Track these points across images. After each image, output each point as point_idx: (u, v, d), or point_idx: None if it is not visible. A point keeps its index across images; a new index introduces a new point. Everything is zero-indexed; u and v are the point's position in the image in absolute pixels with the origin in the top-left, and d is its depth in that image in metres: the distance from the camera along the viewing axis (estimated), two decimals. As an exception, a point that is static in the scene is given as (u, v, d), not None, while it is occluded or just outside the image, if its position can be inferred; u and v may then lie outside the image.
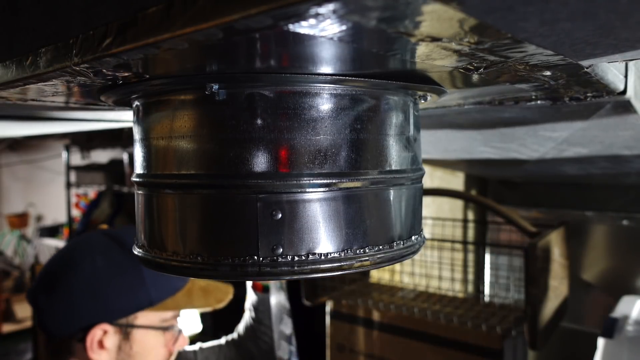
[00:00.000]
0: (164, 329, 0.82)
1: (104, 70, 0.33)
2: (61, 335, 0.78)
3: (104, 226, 0.91)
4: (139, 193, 0.45)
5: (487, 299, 1.66)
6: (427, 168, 1.43)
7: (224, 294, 0.92)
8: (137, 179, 0.44)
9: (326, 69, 0.35)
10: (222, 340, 1.12)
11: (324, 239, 0.38)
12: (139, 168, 0.44)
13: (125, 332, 0.79)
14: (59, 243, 3.71)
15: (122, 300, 0.78)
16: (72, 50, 0.31)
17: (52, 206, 4.25)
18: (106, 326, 0.77)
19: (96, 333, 0.76)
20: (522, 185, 1.81)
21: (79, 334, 0.77)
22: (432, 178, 1.68)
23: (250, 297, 1.10)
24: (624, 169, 1.17)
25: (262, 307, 1.08)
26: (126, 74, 0.35)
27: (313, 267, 0.38)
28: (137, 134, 0.44)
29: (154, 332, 0.81)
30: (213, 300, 0.88)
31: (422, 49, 0.29)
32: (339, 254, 0.38)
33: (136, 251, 0.45)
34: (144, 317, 0.80)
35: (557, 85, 0.43)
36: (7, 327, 3.36)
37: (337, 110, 0.38)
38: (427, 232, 1.57)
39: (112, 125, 1.03)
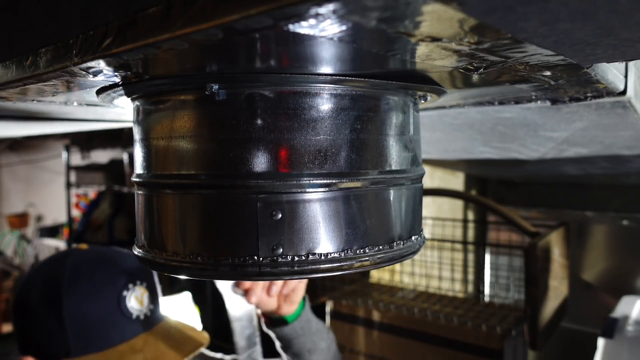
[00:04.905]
0: None
1: (104, 70, 0.33)
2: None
3: (83, 246, 0.86)
4: (139, 193, 0.45)
5: (487, 299, 1.66)
6: (427, 168, 1.43)
7: (176, 358, 0.78)
8: (137, 179, 0.44)
9: (326, 69, 0.35)
10: None
11: (324, 239, 0.38)
12: (139, 168, 0.44)
13: None
14: (59, 243, 3.71)
15: (41, 340, 0.75)
16: (72, 50, 0.31)
17: (52, 206, 4.25)
18: None
19: None
20: (522, 185, 1.81)
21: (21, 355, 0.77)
22: (432, 178, 1.68)
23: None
24: (624, 169, 1.17)
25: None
26: (126, 74, 0.35)
27: (313, 267, 0.38)
28: (137, 134, 0.44)
29: None
30: None
31: (422, 49, 0.29)
32: (339, 254, 0.38)
33: (136, 251, 0.45)
34: None
35: (557, 85, 0.43)
36: (7, 327, 3.36)
37: (337, 111, 0.38)
38: (427, 232, 1.57)
39: (112, 125, 1.03)
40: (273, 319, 0.82)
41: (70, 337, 0.73)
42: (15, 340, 0.79)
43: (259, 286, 0.75)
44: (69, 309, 0.74)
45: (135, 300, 0.79)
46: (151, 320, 0.81)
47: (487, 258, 1.74)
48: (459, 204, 1.87)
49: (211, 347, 1.10)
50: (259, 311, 0.84)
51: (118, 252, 0.86)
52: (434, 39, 0.27)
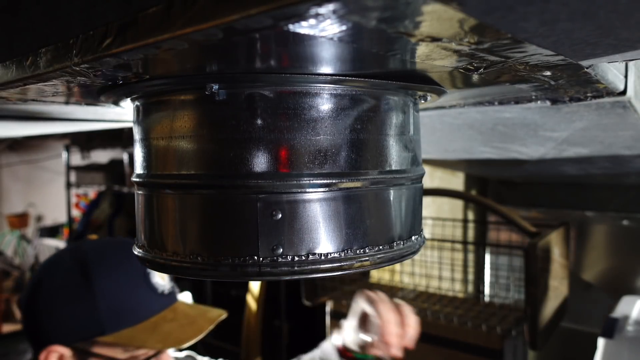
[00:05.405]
0: None
1: (104, 70, 0.33)
2: (33, 350, 0.78)
3: (93, 236, 0.87)
4: (139, 193, 0.45)
5: (487, 299, 1.66)
6: (427, 168, 1.43)
7: (207, 322, 0.81)
8: (137, 179, 0.44)
9: (326, 69, 0.35)
10: None
11: (324, 239, 0.38)
12: (139, 168, 0.44)
13: (82, 358, 0.75)
14: (59, 243, 3.71)
15: (72, 323, 0.75)
16: (72, 50, 0.31)
17: (52, 206, 4.25)
18: (62, 349, 0.75)
19: (50, 353, 0.75)
20: (522, 185, 1.81)
21: (39, 350, 0.76)
22: (432, 178, 1.68)
23: None
24: (624, 169, 1.17)
25: None
26: (126, 74, 0.35)
27: (313, 267, 0.38)
28: (137, 134, 0.44)
29: None
30: (190, 333, 0.78)
31: (422, 49, 0.29)
32: (339, 254, 0.38)
33: (136, 251, 0.45)
34: (104, 347, 0.75)
35: (557, 85, 0.43)
36: (7, 327, 3.35)
37: (337, 111, 0.38)
38: (427, 232, 1.57)
39: (112, 125, 1.03)
40: (357, 356, 0.89)
41: (104, 315, 0.75)
42: (29, 338, 0.79)
43: (397, 339, 0.79)
44: (100, 287, 0.75)
45: (158, 276, 0.82)
46: (173, 295, 0.84)
47: (487, 258, 1.74)
48: (459, 204, 1.87)
49: (211, 348, 1.10)
50: (340, 344, 0.90)
51: (126, 238, 0.89)
52: (434, 39, 0.27)
